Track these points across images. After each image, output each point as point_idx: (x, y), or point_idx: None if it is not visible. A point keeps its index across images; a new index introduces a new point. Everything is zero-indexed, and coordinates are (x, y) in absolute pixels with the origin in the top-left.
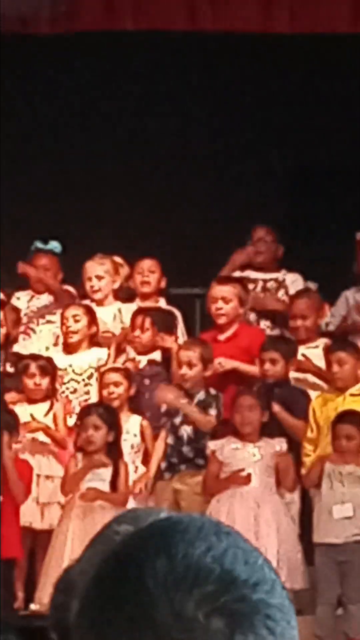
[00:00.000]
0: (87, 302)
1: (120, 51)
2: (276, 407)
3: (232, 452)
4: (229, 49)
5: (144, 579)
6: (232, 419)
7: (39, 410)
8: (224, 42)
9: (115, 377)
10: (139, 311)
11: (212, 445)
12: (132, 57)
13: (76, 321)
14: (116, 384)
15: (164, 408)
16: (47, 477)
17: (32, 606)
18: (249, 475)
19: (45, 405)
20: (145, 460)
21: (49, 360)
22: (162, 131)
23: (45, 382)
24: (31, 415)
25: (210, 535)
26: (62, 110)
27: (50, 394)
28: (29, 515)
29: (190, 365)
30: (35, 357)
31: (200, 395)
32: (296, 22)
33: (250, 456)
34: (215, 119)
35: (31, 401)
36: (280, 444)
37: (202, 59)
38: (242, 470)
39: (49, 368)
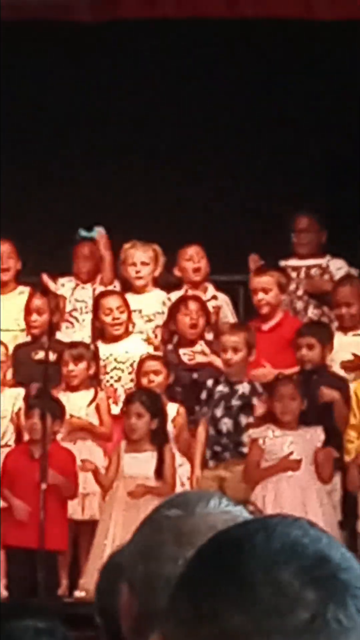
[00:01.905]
0: (113, 287)
1: (160, 38)
2: (325, 391)
3: (273, 440)
4: (268, 35)
5: (243, 552)
6: (272, 407)
7: (82, 399)
8: (263, 28)
9: (154, 365)
10: (189, 298)
11: (253, 433)
12: (172, 43)
13: (121, 312)
14: (155, 372)
15: (204, 396)
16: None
17: (77, 593)
18: (299, 460)
19: (88, 394)
20: (179, 448)
21: (87, 346)
22: (205, 118)
23: (80, 369)
24: (70, 415)
25: (305, 525)
26: (104, 98)
27: (91, 382)
28: (70, 507)
29: (235, 350)
30: (71, 344)
31: (244, 387)
32: (334, 8)
33: (291, 444)
34: (255, 106)
35: (71, 389)
36: (319, 433)
37: (242, 45)
38: (291, 454)
39: (85, 355)
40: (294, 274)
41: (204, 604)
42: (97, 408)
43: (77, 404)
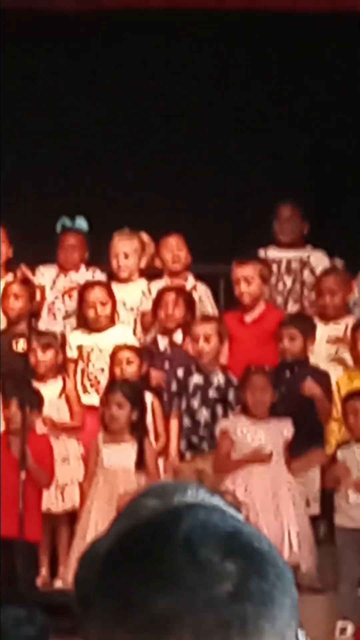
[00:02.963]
0: (100, 277)
1: (144, 29)
2: (309, 384)
3: (243, 431)
4: (255, 28)
5: (156, 539)
6: (243, 397)
7: (51, 390)
8: (250, 21)
9: (127, 354)
10: (167, 289)
11: (223, 424)
12: (155, 34)
13: (103, 305)
14: (128, 361)
15: (174, 388)
16: (64, 459)
17: (57, 583)
18: (271, 453)
19: (57, 383)
20: (156, 437)
21: (55, 335)
22: (186, 108)
23: (48, 357)
24: (47, 418)
25: (209, 507)
26: (86, 87)
27: (59, 371)
28: (47, 499)
29: (206, 338)
30: (39, 333)
31: (220, 378)
32: (322, 1)
33: (261, 435)
34: (239, 96)
35: (39, 378)
36: (288, 425)
37: (229, 37)
38: (263, 448)
39: (53, 343)
40: (274, 267)
41: (128, 595)
42: (67, 399)
43: (47, 395)
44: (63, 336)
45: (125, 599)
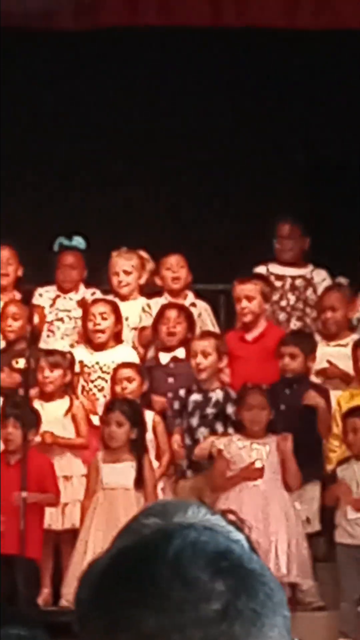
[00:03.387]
0: (111, 297)
1: (142, 46)
2: (312, 394)
3: (238, 450)
4: (252, 44)
5: (147, 559)
6: (240, 416)
7: (58, 408)
8: (247, 38)
9: (128, 372)
10: (169, 306)
11: (218, 443)
12: (155, 52)
13: (104, 319)
14: (129, 380)
15: (177, 406)
16: (66, 477)
17: (63, 602)
18: (261, 468)
19: (64, 402)
20: (158, 456)
21: (63, 354)
22: (185, 126)
23: (55, 376)
24: (44, 432)
25: (200, 527)
26: (86, 105)
27: (66, 390)
28: (49, 517)
29: (205, 354)
30: (47, 351)
31: (218, 394)
32: (319, 17)
33: (256, 453)
34: (238, 114)
35: (46, 397)
36: (285, 439)
37: (226, 54)
38: (253, 463)
39: (61, 362)
40: (278, 283)
41: (118, 614)
42: (74, 417)
43: (52, 414)
44: (72, 355)
45: (116, 618)
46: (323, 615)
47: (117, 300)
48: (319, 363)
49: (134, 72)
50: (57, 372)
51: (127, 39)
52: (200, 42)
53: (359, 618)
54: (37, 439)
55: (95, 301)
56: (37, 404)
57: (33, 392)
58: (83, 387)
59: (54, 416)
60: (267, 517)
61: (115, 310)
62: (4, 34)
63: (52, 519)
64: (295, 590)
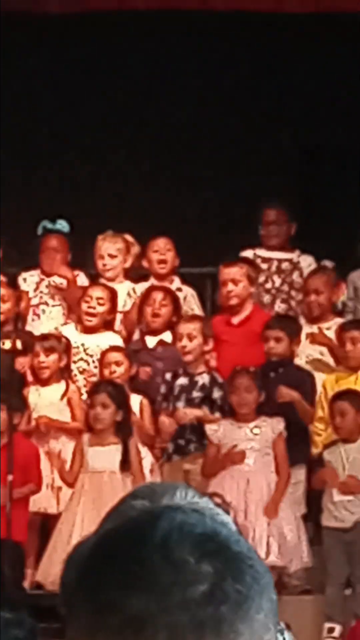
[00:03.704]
0: (84, 280)
1: (131, 31)
2: (284, 391)
3: (228, 433)
4: (240, 29)
5: (134, 541)
6: (229, 399)
7: (54, 392)
8: (235, 22)
9: (116, 356)
10: (155, 288)
11: (209, 428)
12: (143, 36)
13: (100, 304)
14: (117, 363)
15: (163, 390)
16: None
17: (48, 585)
18: (243, 452)
19: (59, 387)
20: (143, 439)
21: (58, 338)
22: (173, 110)
23: (50, 360)
24: (39, 416)
25: (187, 509)
26: (71, 89)
27: (62, 374)
28: (44, 500)
29: (190, 337)
30: (42, 336)
31: (204, 378)
32: (308, 1)
33: (245, 436)
34: (226, 99)
35: (42, 382)
36: (278, 424)
37: (213, 39)
38: (235, 447)
39: (57, 346)
40: (264, 266)
41: (104, 597)
42: (69, 401)
43: (48, 398)
44: (67, 339)
45: (102, 600)
46: (309, 598)
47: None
48: (305, 345)
49: (122, 57)
50: (53, 357)
51: (115, 23)
52: (189, 26)
53: (345, 602)
54: (32, 424)
55: (94, 284)
56: (33, 389)
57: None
58: (71, 372)
59: (50, 400)
60: (247, 499)
61: (113, 298)
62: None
63: (48, 502)
64: (281, 574)
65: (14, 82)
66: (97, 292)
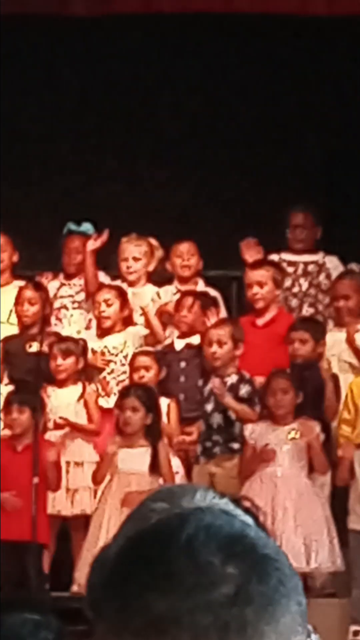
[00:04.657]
0: (118, 282)
1: (155, 33)
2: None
3: (264, 435)
4: (266, 30)
5: (160, 543)
6: (266, 402)
7: (70, 394)
8: (262, 23)
9: (145, 360)
10: (186, 293)
11: (245, 429)
12: (167, 38)
13: (108, 305)
14: (147, 368)
15: (196, 395)
16: (77, 463)
17: (74, 588)
18: (273, 450)
19: (77, 389)
20: (170, 441)
21: (75, 341)
22: (198, 114)
23: (68, 363)
24: (60, 417)
25: (217, 510)
26: (97, 91)
27: (79, 377)
28: (58, 503)
29: (220, 343)
30: (59, 338)
31: (233, 379)
32: (334, 4)
33: (282, 438)
34: (252, 102)
35: (59, 384)
36: (315, 426)
37: (239, 40)
38: (267, 446)
39: (74, 349)
40: (290, 269)
41: (130, 598)
42: (86, 404)
43: (65, 400)
44: (84, 342)
45: (127, 601)
46: (335, 602)
47: (124, 285)
48: (334, 349)
49: (144, 58)
50: (70, 360)
51: (139, 26)
52: (213, 28)
53: None
54: (50, 424)
55: (100, 288)
56: (50, 391)
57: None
58: (88, 373)
59: (67, 402)
60: (275, 503)
61: (121, 294)
62: (13, 19)
63: (61, 504)
64: (306, 577)
65: (38, 86)
66: (103, 296)
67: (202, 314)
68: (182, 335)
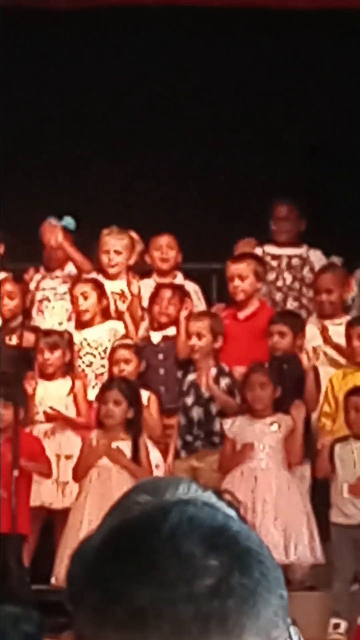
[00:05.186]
0: (93, 275)
1: (137, 26)
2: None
3: (243, 429)
4: (247, 24)
5: (143, 533)
6: (244, 396)
7: (60, 387)
8: (241, 17)
9: (125, 354)
10: (163, 286)
11: (224, 423)
12: (149, 31)
13: (85, 298)
14: (126, 361)
15: (175, 387)
16: (67, 456)
17: (52, 581)
18: (251, 444)
19: (66, 382)
20: (151, 436)
21: (61, 334)
22: (179, 105)
23: (55, 357)
24: (50, 407)
25: (199, 503)
26: (76, 84)
27: (67, 370)
28: (49, 495)
29: (199, 335)
30: (45, 332)
31: (212, 372)
32: None
33: (261, 432)
34: (233, 94)
35: (47, 377)
36: (288, 421)
37: (222, 35)
38: (251, 444)
39: (60, 343)
40: (274, 263)
41: (111, 588)
42: (75, 397)
43: (55, 393)
44: (70, 334)
45: (110, 593)
46: (315, 595)
47: (100, 277)
48: (315, 342)
49: (129, 52)
50: (57, 353)
51: (122, 19)
52: (197, 22)
53: (353, 598)
54: (39, 417)
55: (75, 282)
56: (40, 384)
57: (29, 373)
58: (74, 366)
59: (57, 396)
60: (255, 496)
61: (98, 286)
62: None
63: (52, 497)
64: (286, 570)
65: (20, 78)
66: (80, 289)
67: (178, 306)
68: (157, 328)
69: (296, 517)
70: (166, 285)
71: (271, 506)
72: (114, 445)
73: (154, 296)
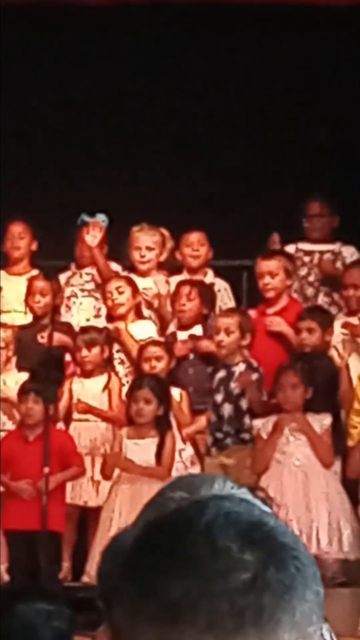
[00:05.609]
0: (125, 273)
1: (163, 22)
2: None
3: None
4: (275, 19)
5: (179, 527)
6: (275, 396)
7: (96, 385)
8: (269, 13)
9: (156, 350)
10: (185, 282)
11: (256, 423)
12: (175, 27)
13: (120, 293)
14: (158, 358)
15: (207, 384)
16: (102, 455)
17: (84, 578)
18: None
19: (102, 379)
20: (180, 432)
21: (99, 330)
22: (211, 103)
23: (93, 354)
24: (78, 400)
25: (237, 498)
26: (108, 82)
27: (105, 367)
28: (85, 494)
29: (227, 332)
30: (82, 329)
31: (240, 367)
32: None
33: (293, 430)
34: (266, 90)
35: (86, 374)
36: (325, 419)
37: (248, 29)
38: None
39: (98, 339)
40: (306, 259)
41: (147, 581)
42: (109, 393)
43: (91, 390)
44: (107, 330)
45: (145, 586)
46: (346, 591)
47: (133, 275)
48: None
49: (153, 49)
50: (95, 350)
51: (146, 15)
52: (219, 18)
53: None
54: (75, 415)
55: (109, 279)
56: (76, 382)
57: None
58: (113, 364)
59: (92, 393)
60: (308, 494)
61: (130, 283)
62: (15, 9)
63: (89, 496)
64: (320, 566)
65: (50, 73)
66: (114, 284)
67: (201, 303)
68: (183, 328)
69: (342, 513)
70: (185, 282)
71: (304, 502)
72: (141, 443)
73: (175, 294)
